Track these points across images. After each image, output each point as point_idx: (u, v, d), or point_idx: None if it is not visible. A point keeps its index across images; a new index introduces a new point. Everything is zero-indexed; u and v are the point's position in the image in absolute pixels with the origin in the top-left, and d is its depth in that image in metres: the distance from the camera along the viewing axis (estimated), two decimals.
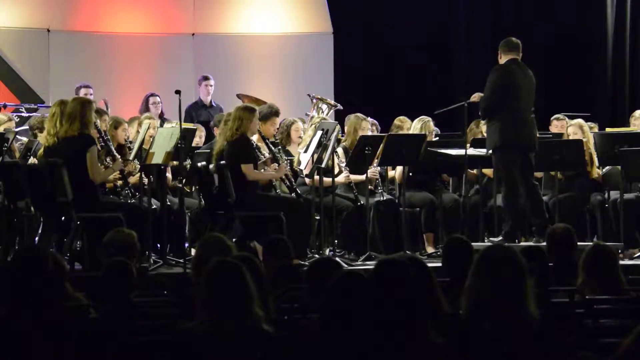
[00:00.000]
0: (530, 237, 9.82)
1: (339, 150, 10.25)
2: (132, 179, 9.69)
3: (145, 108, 12.43)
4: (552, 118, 11.53)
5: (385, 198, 10.23)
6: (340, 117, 11.59)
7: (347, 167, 10.08)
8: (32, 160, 9.67)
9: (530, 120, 9.64)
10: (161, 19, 14.57)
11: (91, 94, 11.99)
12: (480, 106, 9.77)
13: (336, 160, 10.03)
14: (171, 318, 5.32)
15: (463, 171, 10.45)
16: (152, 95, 12.64)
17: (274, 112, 10.00)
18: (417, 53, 14.93)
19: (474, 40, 15.10)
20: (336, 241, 10.15)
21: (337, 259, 8.81)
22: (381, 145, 9.80)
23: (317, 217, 9.72)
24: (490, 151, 9.68)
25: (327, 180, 9.80)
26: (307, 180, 10.09)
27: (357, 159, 9.81)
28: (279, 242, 6.99)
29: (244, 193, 9.33)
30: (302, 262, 8.76)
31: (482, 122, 10.52)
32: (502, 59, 9.70)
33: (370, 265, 8.82)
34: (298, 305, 5.49)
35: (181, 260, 9.08)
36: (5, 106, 12.15)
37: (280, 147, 10.01)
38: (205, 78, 13.25)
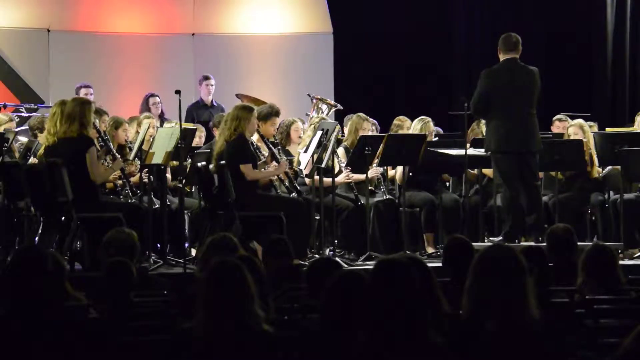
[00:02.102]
0: (530, 237, 9.81)
1: (340, 150, 10.25)
2: (132, 179, 9.69)
3: (146, 108, 12.43)
4: (554, 119, 11.51)
5: (385, 198, 10.23)
6: (340, 117, 11.59)
7: (347, 167, 10.08)
8: (32, 160, 9.67)
9: (527, 122, 9.52)
10: (161, 19, 14.57)
11: (91, 94, 11.99)
12: (470, 111, 9.78)
13: (336, 160, 10.03)
14: (171, 318, 5.33)
15: (463, 171, 10.45)
16: (152, 95, 12.65)
17: (274, 112, 10.00)
18: (417, 53, 14.93)
19: (474, 40, 15.10)
20: (336, 241, 10.15)
21: (337, 259, 8.81)
22: (381, 145, 9.80)
23: (317, 217, 9.72)
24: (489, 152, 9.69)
25: (327, 180, 9.80)
26: (307, 180, 10.09)
27: (358, 159, 9.81)
28: (279, 242, 6.99)
29: (244, 193, 9.33)
30: (302, 262, 8.76)
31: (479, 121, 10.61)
32: (500, 57, 9.66)
33: (370, 265, 8.80)
34: (298, 305, 5.50)
35: (181, 260, 9.08)
36: (5, 106, 12.15)
37: (280, 147, 10.01)
38: (206, 78, 13.25)
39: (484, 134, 10.70)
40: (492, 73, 9.57)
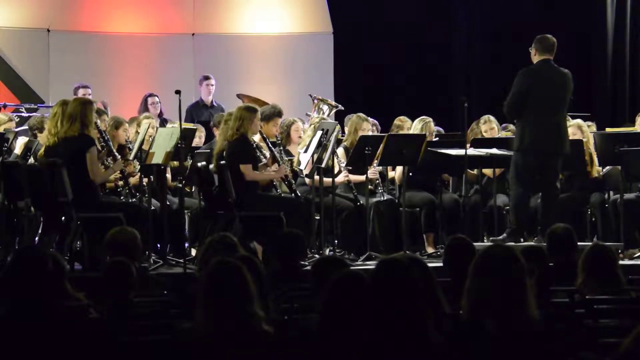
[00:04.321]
0: (531, 237, 9.81)
1: (339, 150, 10.25)
2: (132, 179, 9.69)
3: (144, 108, 12.43)
4: None
5: (385, 198, 10.22)
6: (340, 117, 11.59)
7: (346, 167, 10.08)
8: (32, 160, 9.67)
9: (556, 124, 9.49)
10: (161, 19, 14.57)
11: (90, 94, 11.99)
12: (504, 110, 9.76)
13: (336, 160, 10.02)
14: (171, 318, 5.33)
15: (463, 171, 10.44)
16: (151, 95, 12.65)
17: (276, 113, 10.01)
18: (417, 53, 14.93)
19: (474, 40, 15.10)
20: (336, 241, 10.14)
21: None
22: (381, 145, 9.80)
23: (317, 217, 9.72)
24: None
25: (327, 180, 9.80)
26: (307, 180, 10.09)
27: (357, 159, 9.80)
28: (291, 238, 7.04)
29: (244, 193, 9.33)
30: (302, 262, 8.75)
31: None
32: (534, 58, 9.65)
33: (370, 265, 8.82)
34: (298, 305, 5.50)
35: (181, 260, 9.08)
36: (5, 106, 12.15)
37: (281, 147, 10.01)
38: (206, 78, 13.25)
39: (484, 133, 10.74)
40: (530, 73, 9.56)
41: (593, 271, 5.95)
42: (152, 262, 9.03)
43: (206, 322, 4.43)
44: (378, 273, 4.27)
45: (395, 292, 4.16)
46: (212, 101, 13.20)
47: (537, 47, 9.65)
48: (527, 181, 9.55)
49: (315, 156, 9.65)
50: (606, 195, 10.57)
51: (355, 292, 4.27)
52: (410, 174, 10.28)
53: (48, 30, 14.06)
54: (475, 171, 10.65)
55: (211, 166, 9.54)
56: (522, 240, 9.51)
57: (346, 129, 10.61)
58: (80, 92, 12.04)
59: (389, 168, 10.63)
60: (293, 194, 9.66)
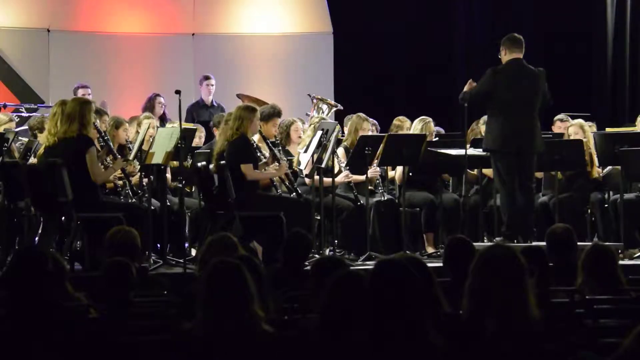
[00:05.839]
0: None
1: (339, 150, 10.25)
2: (132, 179, 9.69)
3: (151, 107, 12.38)
4: (555, 118, 11.52)
5: (385, 198, 10.22)
6: (340, 117, 11.59)
7: (346, 167, 10.08)
8: (32, 160, 9.66)
9: (527, 123, 9.53)
10: (161, 19, 14.58)
11: (89, 94, 11.98)
12: (465, 98, 9.75)
13: (336, 160, 10.02)
14: (171, 318, 5.32)
15: (463, 171, 10.45)
16: (158, 95, 12.61)
17: (276, 113, 10.01)
18: (417, 53, 14.92)
19: (474, 41, 15.10)
20: (336, 241, 10.14)
21: None
22: (381, 145, 9.80)
23: (317, 217, 9.72)
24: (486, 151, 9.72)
25: (327, 180, 9.80)
26: (307, 180, 10.09)
27: (357, 159, 9.80)
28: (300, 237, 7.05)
29: (244, 193, 9.33)
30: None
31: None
32: (504, 57, 9.65)
33: (370, 265, 8.80)
34: (298, 305, 5.50)
35: (181, 260, 9.08)
36: (5, 106, 12.15)
37: (280, 147, 10.01)
38: (207, 78, 13.25)
39: (482, 134, 10.74)
40: (499, 72, 9.58)
41: (593, 271, 5.95)
42: (152, 262, 9.04)
43: (206, 322, 4.43)
44: (377, 273, 4.27)
45: (394, 292, 4.16)
46: (212, 101, 13.20)
47: (505, 45, 9.65)
48: (507, 180, 9.54)
49: (315, 156, 9.65)
50: (606, 195, 10.57)
51: (355, 292, 4.27)
52: (410, 174, 10.28)
53: (48, 30, 14.06)
54: (475, 171, 10.66)
55: (211, 166, 9.54)
56: (517, 240, 9.51)
57: (346, 129, 10.62)
58: (80, 92, 12.03)
59: (389, 168, 10.63)
60: (294, 193, 9.65)
